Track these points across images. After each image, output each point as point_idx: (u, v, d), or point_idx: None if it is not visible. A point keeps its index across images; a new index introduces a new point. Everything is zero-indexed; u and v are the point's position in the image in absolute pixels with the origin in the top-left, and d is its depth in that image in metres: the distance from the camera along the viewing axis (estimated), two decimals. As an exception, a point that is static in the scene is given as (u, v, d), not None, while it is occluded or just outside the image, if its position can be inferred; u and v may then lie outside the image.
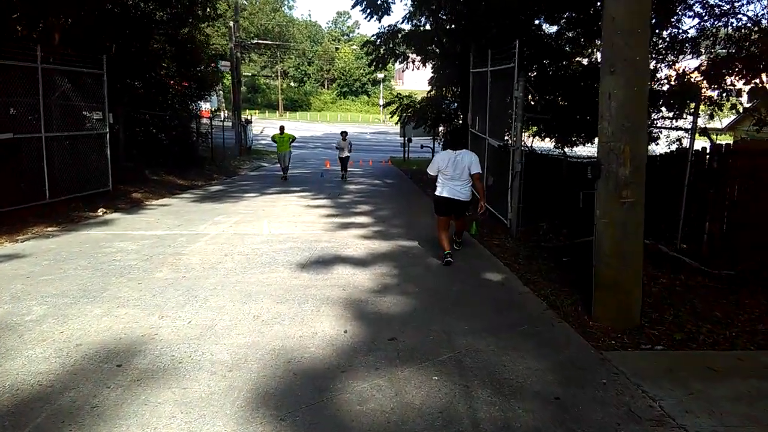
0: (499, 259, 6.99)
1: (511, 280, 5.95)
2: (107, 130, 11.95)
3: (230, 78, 35.60)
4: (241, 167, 23.54)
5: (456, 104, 19.47)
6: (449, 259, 6.58)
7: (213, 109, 52.97)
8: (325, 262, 6.59)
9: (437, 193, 6.77)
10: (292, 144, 17.67)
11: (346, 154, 17.84)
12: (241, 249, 7.28)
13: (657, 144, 12.27)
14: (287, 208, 11.31)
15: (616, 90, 4.15)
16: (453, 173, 6.58)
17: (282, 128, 17.99)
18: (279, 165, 18.26)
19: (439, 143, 23.80)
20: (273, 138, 17.92)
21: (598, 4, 11.32)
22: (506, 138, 9.30)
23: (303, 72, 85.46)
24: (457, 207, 6.75)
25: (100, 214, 10.17)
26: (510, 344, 4.12)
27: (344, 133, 18.11)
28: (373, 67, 20.19)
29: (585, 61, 14.65)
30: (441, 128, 23.35)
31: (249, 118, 35.88)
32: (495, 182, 9.76)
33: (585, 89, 11.85)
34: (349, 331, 4.30)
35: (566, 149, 14.22)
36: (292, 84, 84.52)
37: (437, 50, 18.67)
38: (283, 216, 10.18)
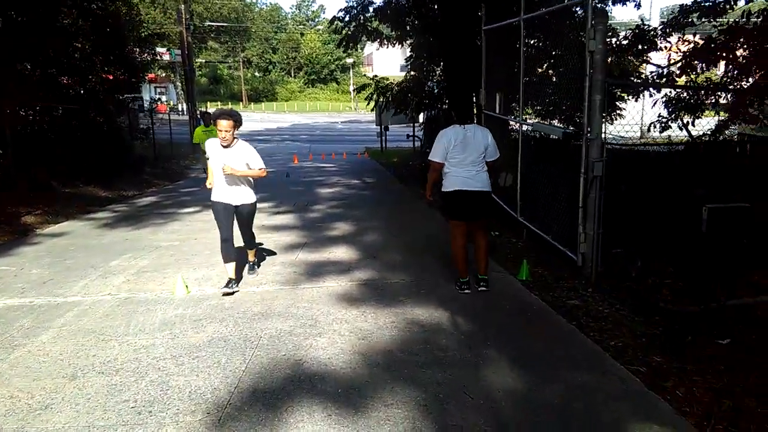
0: (612, 354, 3.62)
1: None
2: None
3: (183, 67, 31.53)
4: (191, 168, 19.72)
5: (442, 86, 16.32)
6: (467, 289, 4.93)
7: (172, 103, 48.84)
8: (270, 398, 3.15)
9: (446, 188, 4.90)
10: None
11: (237, 192, 5.18)
12: (113, 352, 3.80)
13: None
14: (232, 233, 7.80)
15: None
16: (462, 156, 4.79)
17: (209, 115, 11.19)
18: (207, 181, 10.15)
19: (420, 129, 20.59)
20: (196, 135, 11.73)
21: None
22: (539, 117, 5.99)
23: (268, 60, 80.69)
24: (475, 201, 4.84)
25: (-62, 260, 6.57)
26: None
27: (223, 116, 4.89)
28: (342, 48, 17.00)
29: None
30: (422, 115, 20.26)
31: (205, 110, 31.75)
32: (538, 190, 6.46)
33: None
34: None
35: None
36: (256, 73, 79.78)
37: (416, 22, 15.55)
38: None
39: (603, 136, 5.11)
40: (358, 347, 3.78)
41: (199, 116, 20.31)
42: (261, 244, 6.67)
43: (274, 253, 6.54)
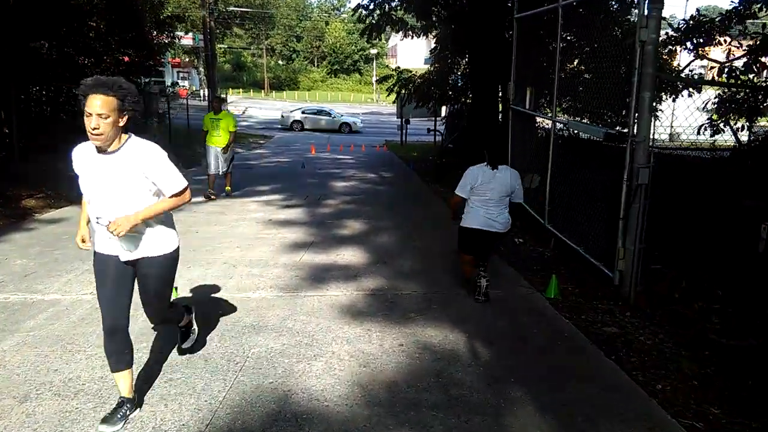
0: (660, 402, 3.02)
1: None
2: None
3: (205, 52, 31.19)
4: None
5: (466, 79, 15.75)
6: (484, 278, 4.63)
7: (194, 88, 48.68)
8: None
9: (466, 223, 4.76)
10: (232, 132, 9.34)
11: (136, 237, 2.74)
12: (77, 367, 3.31)
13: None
14: (236, 227, 7.31)
15: None
16: (491, 195, 4.65)
17: (218, 101, 9.97)
18: (208, 170, 9.38)
19: (442, 123, 20.08)
20: (204, 122, 9.54)
21: None
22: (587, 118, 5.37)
23: (291, 49, 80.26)
24: (489, 240, 4.75)
25: None
26: None
27: (97, 88, 2.47)
28: (366, 38, 16.51)
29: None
30: (444, 109, 19.82)
31: (224, 95, 31.37)
32: (570, 195, 5.84)
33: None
34: None
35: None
36: (279, 62, 79.41)
37: (443, 12, 15.05)
38: (221, 247, 6.19)
39: (651, 138, 4.48)
40: (359, 377, 3.23)
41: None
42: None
43: (279, 253, 6.03)
